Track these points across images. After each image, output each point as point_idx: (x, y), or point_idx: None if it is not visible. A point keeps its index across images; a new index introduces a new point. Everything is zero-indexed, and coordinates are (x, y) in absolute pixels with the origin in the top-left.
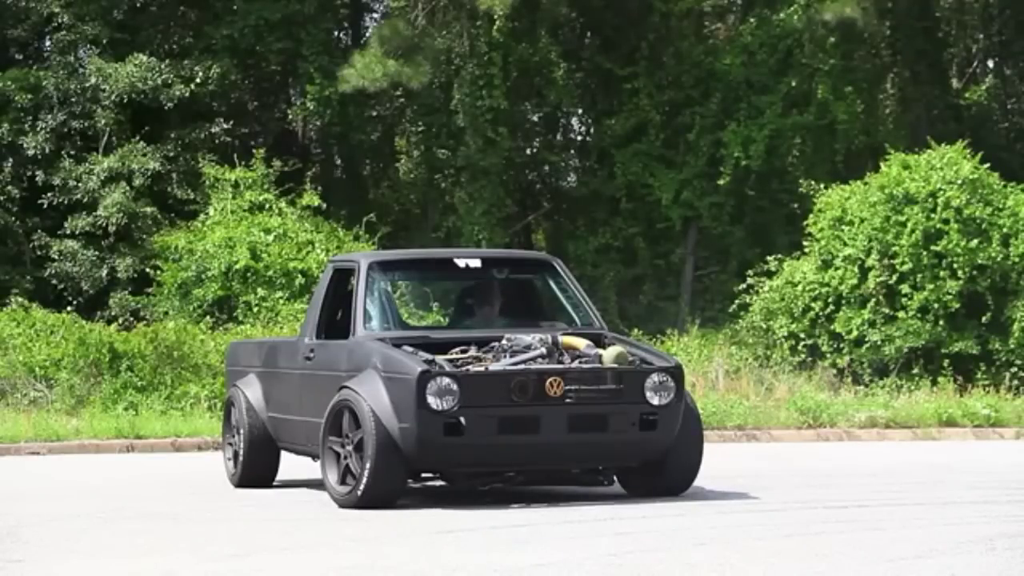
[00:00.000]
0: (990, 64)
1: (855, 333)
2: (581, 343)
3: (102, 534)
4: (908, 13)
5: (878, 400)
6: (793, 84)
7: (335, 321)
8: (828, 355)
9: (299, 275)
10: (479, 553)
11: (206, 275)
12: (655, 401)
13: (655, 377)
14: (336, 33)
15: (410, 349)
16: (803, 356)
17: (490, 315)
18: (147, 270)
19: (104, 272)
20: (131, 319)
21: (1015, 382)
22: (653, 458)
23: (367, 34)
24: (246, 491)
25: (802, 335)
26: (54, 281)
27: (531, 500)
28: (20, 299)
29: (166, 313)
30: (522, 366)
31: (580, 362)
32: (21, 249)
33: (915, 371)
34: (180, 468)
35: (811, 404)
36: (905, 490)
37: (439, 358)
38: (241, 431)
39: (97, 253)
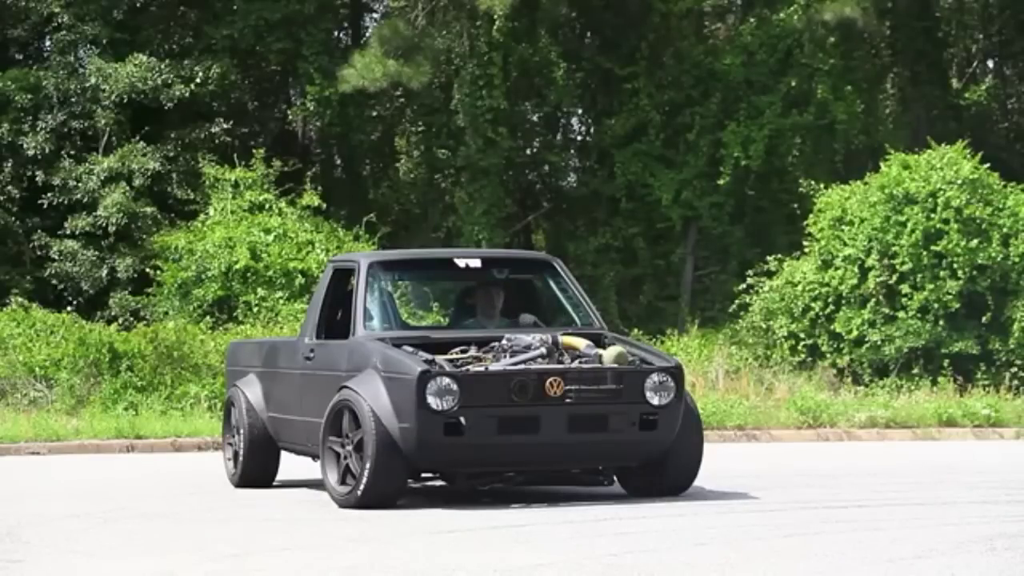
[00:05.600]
0: (990, 64)
1: (855, 333)
2: (581, 343)
3: (102, 534)
4: (908, 13)
5: (878, 400)
6: (793, 84)
7: (335, 321)
8: (828, 355)
9: (299, 275)
10: (479, 553)
11: (206, 275)
12: (655, 401)
13: (655, 377)
14: (336, 33)
15: (410, 349)
16: (803, 356)
17: (490, 315)
18: (147, 270)
19: (104, 272)
20: (131, 319)
21: (1015, 382)
22: (653, 458)
23: (367, 34)
24: (246, 491)
25: (802, 335)
26: (54, 281)
27: (531, 500)
28: (20, 299)
29: (166, 313)
30: (522, 366)
31: (580, 362)
32: (21, 249)
33: (915, 371)
34: (180, 468)
35: (811, 404)
36: (905, 490)
37: (439, 358)
38: (241, 431)
39: (97, 253)
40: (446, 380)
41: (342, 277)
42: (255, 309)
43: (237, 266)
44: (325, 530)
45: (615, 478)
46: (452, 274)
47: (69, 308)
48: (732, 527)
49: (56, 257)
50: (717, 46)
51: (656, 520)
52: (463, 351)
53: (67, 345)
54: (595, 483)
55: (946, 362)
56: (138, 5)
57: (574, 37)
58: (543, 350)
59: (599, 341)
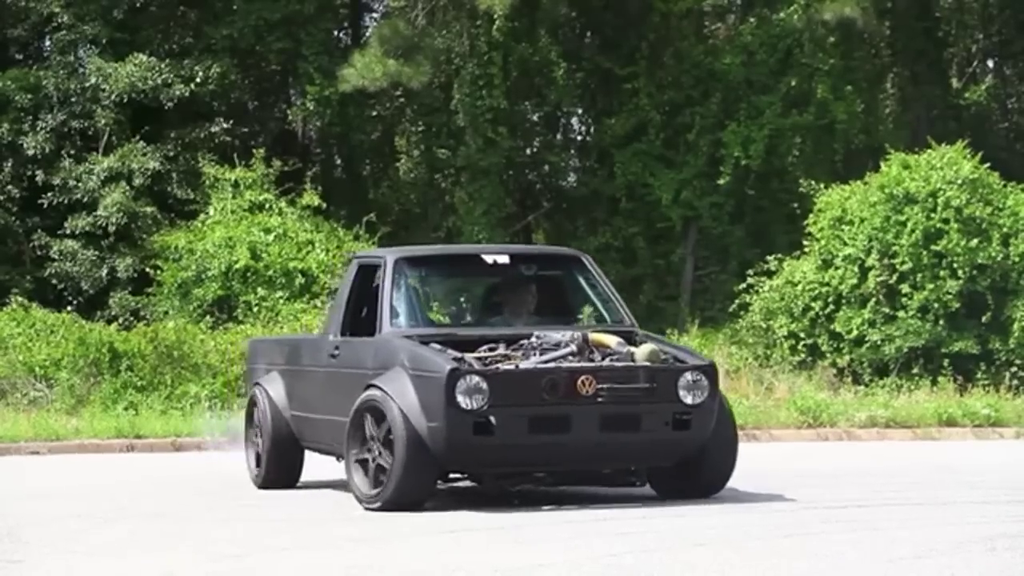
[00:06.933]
0: (990, 64)
1: (855, 333)
2: (612, 340)
3: (102, 534)
4: (908, 13)
5: (878, 400)
6: (793, 84)
7: (360, 318)
8: (828, 355)
9: (299, 275)
10: (479, 553)
11: (206, 275)
12: (688, 400)
13: (688, 376)
14: (336, 33)
15: (438, 347)
16: (803, 356)
17: (519, 312)
18: (147, 270)
19: (104, 272)
20: (131, 319)
21: (1015, 382)
22: (687, 458)
23: (367, 34)
24: (246, 491)
25: (802, 335)
26: (54, 281)
27: (532, 500)
28: (20, 299)
29: (166, 313)
30: (553, 364)
31: (611, 360)
32: (21, 249)
33: (915, 371)
34: (180, 468)
35: (811, 404)
36: (905, 490)
37: (468, 356)
38: (264, 431)
39: (97, 253)
40: (476, 378)
41: (367, 274)
42: (255, 309)
43: (237, 266)
44: (326, 530)
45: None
46: (480, 270)
47: (69, 308)
48: (732, 527)
49: (56, 257)
50: (717, 46)
51: (656, 520)
52: (492, 349)
53: (67, 345)
54: (627, 484)
55: (946, 362)
56: (138, 5)
57: (574, 37)
58: (573, 348)
59: (630, 338)
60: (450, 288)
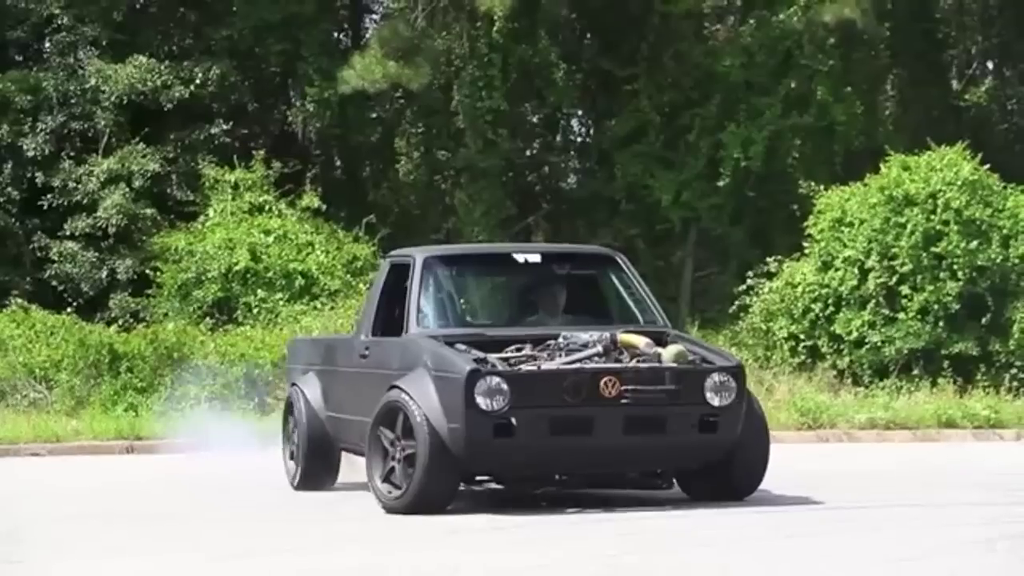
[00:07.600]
0: (989, 65)
1: (855, 334)
2: (641, 341)
3: (102, 535)
4: (907, 14)
5: (878, 401)
6: (793, 85)
7: (392, 318)
8: (828, 356)
9: (299, 276)
10: (480, 553)
11: (206, 276)
12: (715, 402)
13: (715, 377)
14: (336, 34)
15: (463, 347)
16: (803, 357)
17: (551, 312)
18: (147, 271)
19: (104, 273)
20: (131, 320)
21: (1015, 383)
22: (714, 461)
23: (367, 35)
24: (246, 492)
25: (802, 336)
26: (54, 283)
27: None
28: (20, 300)
29: (166, 314)
30: (576, 365)
31: (638, 361)
32: (21, 251)
33: (915, 372)
34: (180, 470)
35: (811, 405)
36: (905, 491)
37: (491, 356)
38: (300, 431)
39: (97, 254)
40: (496, 379)
41: (399, 273)
42: (255, 310)
43: (237, 267)
44: (326, 530)
45: (675, 481)
46: (510, 269)
47: (69, 309)
48: (732, 528)
49: (56, 258)
50: (717, 47)
51: (658, 521)
52: (518, 349)
53: (67, 346)
54: (653, 487)
55: (946, 363)
56: (138, 7)
57: (574, 38)
58: (599, 348)
59: (661, 339)
60: (481, 287)
